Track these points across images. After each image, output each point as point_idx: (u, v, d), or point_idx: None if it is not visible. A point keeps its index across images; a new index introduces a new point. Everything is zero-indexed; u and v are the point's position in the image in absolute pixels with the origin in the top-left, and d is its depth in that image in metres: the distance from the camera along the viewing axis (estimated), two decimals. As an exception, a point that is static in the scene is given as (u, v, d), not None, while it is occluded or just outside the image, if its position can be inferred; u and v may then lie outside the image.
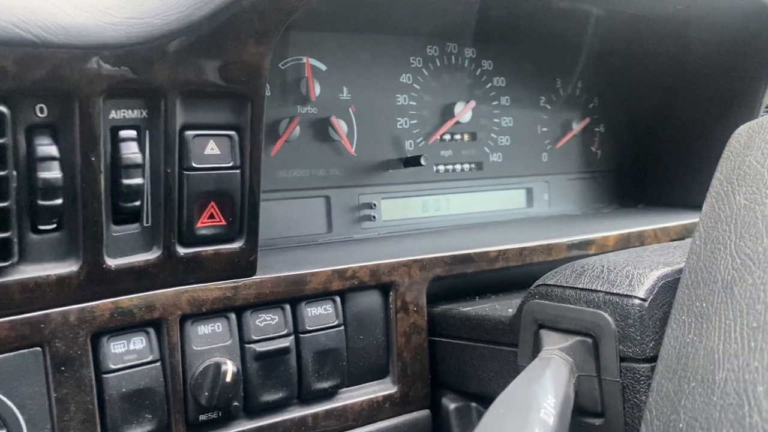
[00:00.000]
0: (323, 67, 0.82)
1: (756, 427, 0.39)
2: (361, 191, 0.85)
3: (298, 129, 0.79)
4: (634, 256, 0.59)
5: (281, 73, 0.78)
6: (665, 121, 1.06)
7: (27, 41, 0.44)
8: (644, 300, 0.52)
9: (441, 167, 0.93)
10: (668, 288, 0.53)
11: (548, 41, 1.01)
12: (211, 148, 0.55)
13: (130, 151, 0.51)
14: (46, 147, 0.47)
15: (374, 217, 0.85)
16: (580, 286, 0.56)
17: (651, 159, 1.08)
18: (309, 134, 0.81)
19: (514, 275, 0.79)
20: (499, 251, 0.76)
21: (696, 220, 0.96)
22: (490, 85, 0.96)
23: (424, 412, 0.70)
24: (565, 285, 0.57)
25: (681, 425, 0.45)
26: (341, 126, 0.82)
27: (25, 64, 0.45)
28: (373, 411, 0.67)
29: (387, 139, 0.88)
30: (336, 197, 0.83)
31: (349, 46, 0.83)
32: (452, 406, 0.70)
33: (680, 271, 0.54)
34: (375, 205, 0.85)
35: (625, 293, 0.53)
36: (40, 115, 0.47)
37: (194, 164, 0.54)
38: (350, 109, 0.84)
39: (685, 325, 0.49)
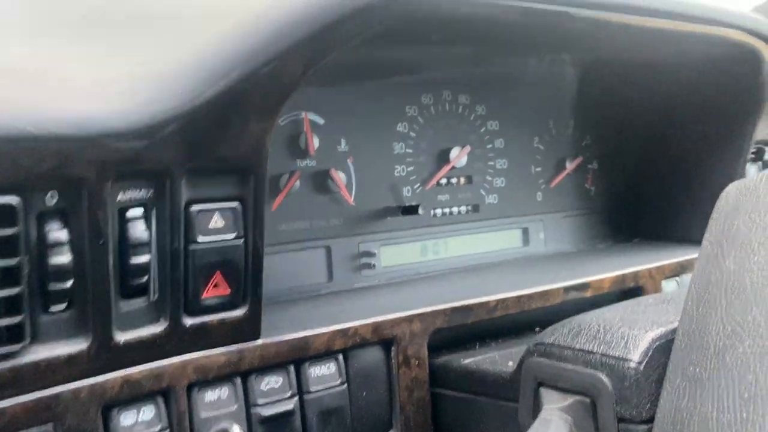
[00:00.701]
0: (321, 121, 0.84)
1: (749, 501, 0.40)
2: (361, 239, 0.87)
3: (298, 182, 0.81)
4: (629, 313, 0.60)
5: (280, 129, 0.80)
6: (657, 157, 1.08)
7: (35, 137, 0.45)
8: (640, 363, 0.54)
9: (438, 211, 0.94)
10: (663, 350, 0.55)
11: (539, 82, 1.03)
12: (215, 220, 0.57)
13: (138, 230, 0.52)
14: (57, 233, 0.49)
15: (374, 265, 0.87)
16: (578, 346, 0.58)
17: (644, 194, 1.10)
18: (309, 187, 0.83)
19: (514, 320, 0.81)
20: (498, 300, 0.77)
21: (689, 256, 0.98)
22: (484, 129, 0.98)
23: (428, 465, 0.71)
24: (563, 344, 0.59)
25: (678, 492, 0.46)
26: (340, 177, 0.84)
27: (35, 156, 0.46)
28: (377, 465, 0.68)
29: (385, 187, 0.89)
30: (336, 247, 0.85)
31: (346, 98, 0.85)
32: (455, 458, 0.71)
33: (674, 331, 0.56)
34: (375, 253, 0.87)
35: (621, 356, 0.54)
36: (51, 201, 0.49)
37: (199, 238, 0.56)
38: (348, 160, 0.86)
39: (679, 389, 0.50)
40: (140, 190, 0.53)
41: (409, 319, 0.70)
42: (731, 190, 0.57)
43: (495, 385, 0.66)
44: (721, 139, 1.00)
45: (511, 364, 0.67)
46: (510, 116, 1.00)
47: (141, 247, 0.53)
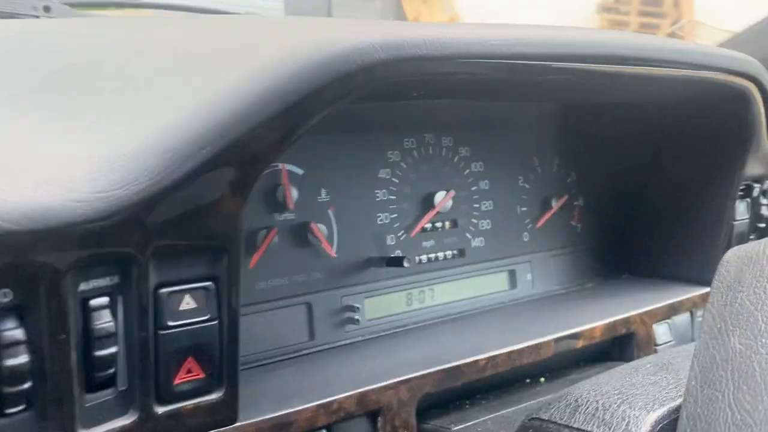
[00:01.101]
0: (300, 171, 0.80)
1: None
2: (343, 293, 0.83)
3: (276, 237, 0.77)
4: (628, 386, 0.57)
5: (257, 183, 0.76)
6: (644, 193, 1.06)
7: (-13, 233, 0.41)
8: (643, 449, 0.51)
9: (423, 257, 0.91)
10: (667, 430, 0.52)
11: (522, 120, 1.00)
12: (187, 302, 0.53)
13: (102, 320, 0.48)
14: (11, 332, 0.45)
15: (358, 319, 0.83)
16: (576, 425, 0.55)
17: (632, 230, 1.08)
18: (288, 241, 0.79)
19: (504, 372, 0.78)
20: (488, 358, 0.74)
21: (679, 297, 0.96)
22: (468, 171, 0.95)
23: None
24: (560, 422, 0.56)
25: None
26: (320, 230, 0.80)
27: (-15, 254, 0.42)
28: None
29: (368, 236, 0.86)
30: (318, 302, 0.81)
31: (326, 147, 0.82)
32: None
33: (676, 410, 0.53)
34: (358, 307, 0.83)
35: (622, 440, 0.51)
36: (4, 299, 0.44)
37: (169, 323, 0.52)
38: (329, 210, 0.82)
39: (686, 480, 0.48)
40: (104, 277, 0.49)
41: (396, 387, 0.67)
42: (732, 258, 0.55)
43: (488, 459, 0.63)
44: (710, 176, 0.98)
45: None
46: (494, 157, 0.97)
47: (107, 338, 0.49)
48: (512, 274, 0.99)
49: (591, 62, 0.66)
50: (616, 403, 0.54)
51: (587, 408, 0.55)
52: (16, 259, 0.43)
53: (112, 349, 0.49)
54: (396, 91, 0.64)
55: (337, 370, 0.71)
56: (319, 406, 0.62)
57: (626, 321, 0.88)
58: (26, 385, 0.46)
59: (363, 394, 0.65)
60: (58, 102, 0.55)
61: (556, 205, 1.03)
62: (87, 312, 0.48)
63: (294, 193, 0.79)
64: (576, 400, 0.57)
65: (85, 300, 0.48)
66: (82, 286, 0.48)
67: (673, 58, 0.74)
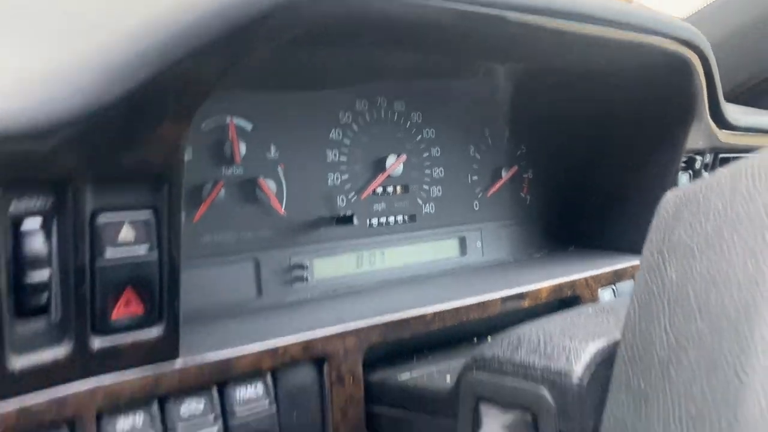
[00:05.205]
0: (249, 126, 0.79)
1: None
2: (292, 251, 0.82)
3: (223, 191, 0.76)
4: (570, 325, 0.58)
5: (203, 135, 0.75)
6: (592, 165, 1.08)
7: None
8: (582, 377, 0.51)
9: (374, 220, 0.91)
10: (605, 363, 0.52)
11: (475, 90, 1.01)
12: (126, 232, 0.51)
13: (34, 243, 0.47)
14: (-64, 248, 0.43)
15: (306, 277, 0.82)
16: (518, 359, 0.55)
17: (579, 203, 1.10)
18: (235, 196, 0.78)
19: (451, 331, 0.78)
20: (435, 313, 0.74)
21: (624, 264, 0.98)
22: (420, 137, 0.95)
23: (364, 489, 0.67)
24: (502, 358, 0.56)
25: None
26: (269, 186, 0.79)
27: None
28: (309, 492, 0.64)
29: (318, 196, 0.85)
30: (266, 259, 0.80)
31: (276, 103, 0.81)
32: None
33: (616, 344, 0.54)
34: (307, 265, 0.83)
35: (562, 369, 0.52)
36: (-73, 212, 0.43)
37: (107, 252, 0.50)
38: (279, 168, 0.81)
39: (623, 404, 0.48)
40: (38, 198, 0.47)
41: (342, 336, 0.66)
42: (670, 198, 0.56)
43: (433, 402, 0.63)
44: (654, 147, 1.00)
45: (450, 380, 0.64)
46: (446, 125, 0.98)
47: (39, 262, 0.47)
48: (462, 241, 1.00)
49: (538, 14, 0.67)
50: (557, 338, 0.55)
51: (529, 344, 0.56)
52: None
53: (44, 274, 0.47)
54: (345, 33, 0.63)
55: (284, 321, 0.70)
56: (264, 350, 0.61)
57: (572, 284, 0.89)
58: (-50, 305, 0.44)
59: (309, 341, 0.64)
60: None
61: (506, 175, 1.04)
62: (18, 234, 0.47)
63: (242, 148, 0.78)
64: (519, 338, 0.57)
65: (16, 221, 0.47)
66: (14, 207, 0.46)
67: (620, 18, 0.76)
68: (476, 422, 0.57)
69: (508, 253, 1.05)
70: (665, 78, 0.92)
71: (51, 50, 0.47)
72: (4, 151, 0.44)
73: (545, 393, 0.52)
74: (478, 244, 1.01)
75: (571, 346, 0.53)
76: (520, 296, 0.83)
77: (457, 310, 0.76)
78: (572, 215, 1.11)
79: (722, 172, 0.52)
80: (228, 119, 0.77)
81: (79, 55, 0.46)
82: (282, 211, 0.81)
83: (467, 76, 0.99)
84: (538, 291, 0.86)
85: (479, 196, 1.02)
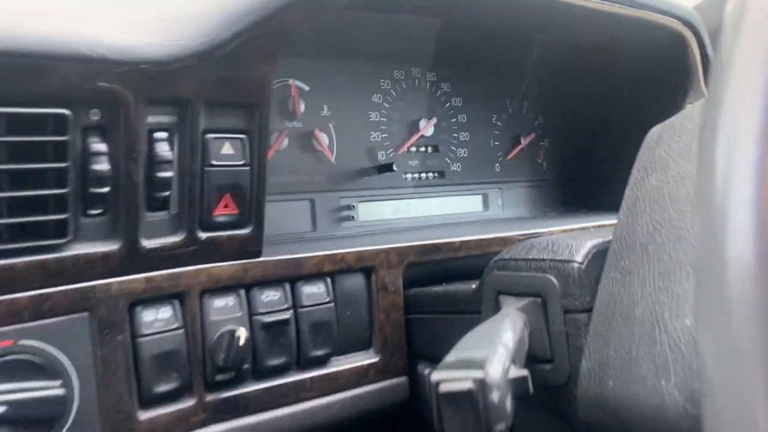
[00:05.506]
0: (306, 88, 0.94)
1: (661, 341, 0.52)
2: (341, 195, 0.97)
3: (286, 140, 0.91)
4: (575, 235, 0.72)
5: (272, 92, 0.90)
6: (601, 135, 1.22)
7: (89, 58, 0.55)
8: (581, 263, 0.65)
9: (409, 175, 1.05)
10: (601, 253, 0.66)
11: (497, 66, 1.16)
12: (227, 148, 0.66)
13: (163, 149, 0.62)
14: (98, 144, 0.58)
15: (353, 217, 0.97)
16: (530, 257, 0.69)
17: (590, 169, 1.23)
18: (296, 145, 0.93)
19: (476, 266, 0.91)
20: (462, 241, 0.88)
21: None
22: (448, 104, 1.10)
23: (403, 379, 0.81)
24: (518, 258, 0.70)
25: (611, 352, 0.57)
26: (323, 138, 0.94)
27: (85, 76, 0.56)
28: (359, 377, 0.78)
29: (362, 149, 1.00)
30: (319, 200, 0.95)
31: (328, 70, 0.96)
32: (426, 371, 0.81)
33: (609, 242, 0.68)
34: (354, 206, 0.97)
35: (565, 258, 0.66)
36: (93, 118, 0.58)
37: (213, 162, 0.66)
38: (330, 124, 0.96)
39: (613, 279, 0.62)
40: (166, 116, 0.62)
41: (387, 252, 0.81)
42: (654, 129, 0.70)
43: (460, 302, 0.77)
44: (655, 117, 1.13)
45: (474, 286, 0.78)
46: (471, 95, 1.12)
47: (165, 164, 0.62)
48: (485, 197, 1.14)
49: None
50: (563, 240, 0.69)
51: (540, 245, 0.70)
52: (107, 84, 0.57)
53: (169, 173, 0.62)
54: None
55: (338, 244, 0.84)
56: (325, 256, 0.75)
57: (582, 229, 1.03)
58: (105, 189, 0.59)
59: (361, 253, 0.78)
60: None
61: (524, 142, 1.18)
62: (151, 142, 0.62)
63: (302, 106, 0.93)
64: (531, 244, 0.71)
65: (150, 131, 0.62)
66: (150, 119, 0.61)
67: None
68: (496, 310, 0.70)
69: (526, 211, 1.19)
70: (664, 51, 1.05)
71: (181, 2, 0.63)
72: (147, 72, 0.59)
73: (552, 279, 0.66)
74: (499, 201, 1.15)
75: (574, 243, 0.67)
76: (536, 235, 0.97)
77: (480, 240, 0.90)
78: (584, 180, 1.24)
79: (696, 104, 0.66)
80: (291, 81, 0.92)
81: (202, 4, 0.62)
82: (333, 159, 0.96)
83: (494, 50, 1.13)
84: (552, 233, 0.99)
85: (500, 159, 1.16)
